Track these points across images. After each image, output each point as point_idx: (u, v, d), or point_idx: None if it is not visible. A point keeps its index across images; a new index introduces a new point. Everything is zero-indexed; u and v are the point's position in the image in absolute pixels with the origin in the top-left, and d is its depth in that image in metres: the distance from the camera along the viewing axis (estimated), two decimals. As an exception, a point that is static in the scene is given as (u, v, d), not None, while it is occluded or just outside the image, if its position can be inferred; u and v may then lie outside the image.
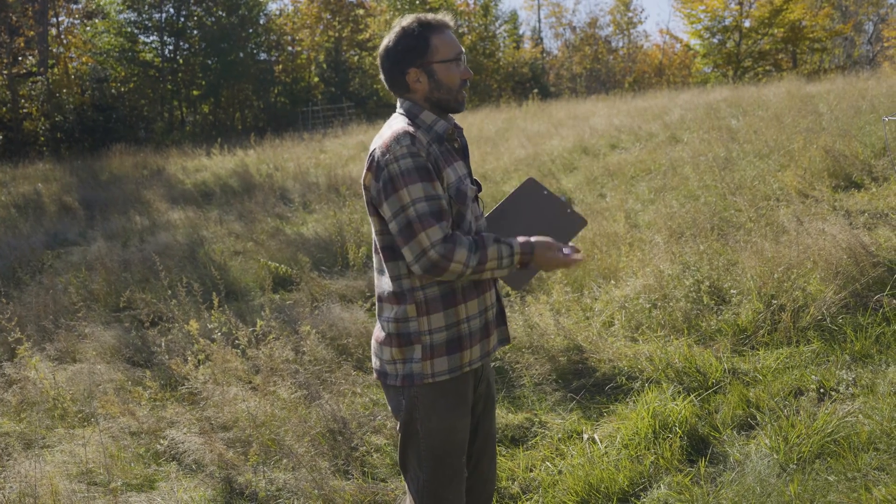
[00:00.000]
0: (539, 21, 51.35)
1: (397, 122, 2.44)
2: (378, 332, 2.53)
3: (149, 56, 31.87)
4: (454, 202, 2.41)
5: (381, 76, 2.53)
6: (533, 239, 2.44)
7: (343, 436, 4.20)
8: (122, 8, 31.15)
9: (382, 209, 2.37)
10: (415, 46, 2.42)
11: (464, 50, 2.51)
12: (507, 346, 5.19)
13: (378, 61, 2.52)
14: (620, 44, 45.55)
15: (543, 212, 2.55)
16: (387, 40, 2.48)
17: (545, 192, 2.56)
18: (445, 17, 2.48)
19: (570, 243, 2.53)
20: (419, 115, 2.47)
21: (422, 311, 2.43)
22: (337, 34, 36.17)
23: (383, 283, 2.49)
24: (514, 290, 2.70)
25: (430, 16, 2.46)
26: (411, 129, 2.38)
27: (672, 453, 3.74)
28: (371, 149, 2.42)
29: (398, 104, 2.54)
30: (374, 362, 2.56)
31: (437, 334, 2.43)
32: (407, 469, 2.58)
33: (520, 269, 2.49)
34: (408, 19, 2.45)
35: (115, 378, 5.41)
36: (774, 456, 3.55)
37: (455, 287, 2.43)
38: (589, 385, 4.74)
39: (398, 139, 2.34)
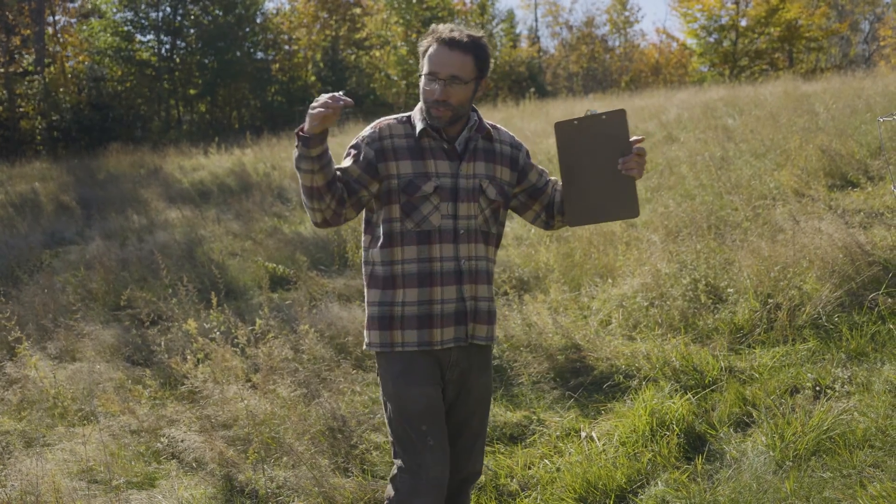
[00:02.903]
0: (536, 20, 51.41)
1: (390, 116, 2.79)
2: None
3: (145, 55, 31.79)
4: (402, 192, 2.64)
5: None
6: None
7: (343, 434, 4.23)
8: (118, 7, 31.08)
9: None
10: (421, 51, 2.70)
11: (452, 72, 2.59)
12: (505, 345, 5.24)
13: None
14: (617, 43, 45.56)
15: (588, 142, 2.53)
16: None
17: (575, 122, 2.56)
18: (450, 34, 2.62)
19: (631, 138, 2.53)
20: (415, 112, 2.75)
21: (368, 283, 2.75)
22: (334, 33, 36.12)
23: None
24: (634, 216, 2.60)
25: (440, 30, 2.65)
26: (391, 121, 2.74)
27: (669, 451, 3.77)
28: None
29: None
30: None
31: (372, 307, 2.72)
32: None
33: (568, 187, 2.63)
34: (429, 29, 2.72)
35: (115, 377, 5.43)
36: (771, 453, 3.58)
37: (395, 272, 2.67)
38: (587, 383, 4.77)
39: (371, 126, 2.73)
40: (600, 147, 2.52)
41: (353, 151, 2.69)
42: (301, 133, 2.47)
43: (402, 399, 2.67)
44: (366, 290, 2.75)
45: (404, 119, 2.73)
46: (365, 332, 2.76)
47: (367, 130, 2.71)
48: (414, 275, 2.65)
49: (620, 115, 2.51)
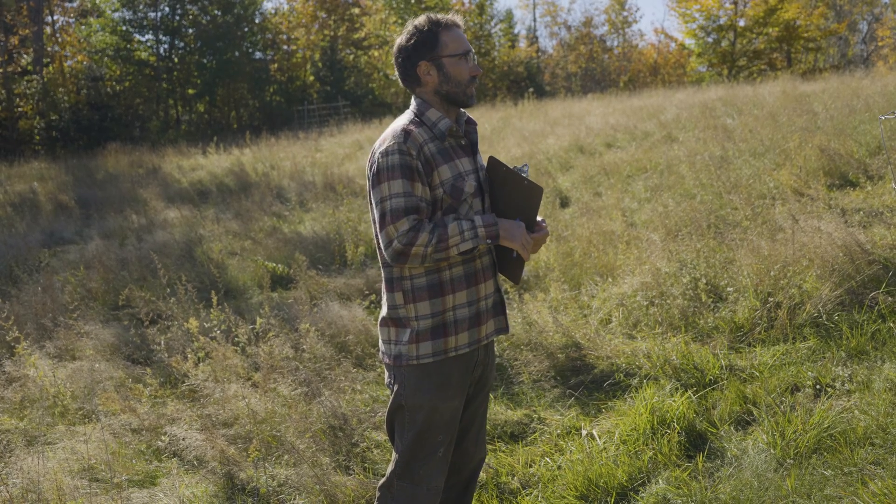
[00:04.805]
0: (534, 20, 51.41)
1: (402, 119, 2.63)
2: (381, 313, 2.75)
3: (144, 55, 31.81)
4: (446, 196, 2.57)
5: (396, 72, 2.71)
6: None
7: (344, 432, 4.23)
8: (117, 6, 31.08)
9: (370, 196, 2.58)
10: (425, 41, 2.61)
11: (472, 49, 2.68)
12: (506, 344, 5.24)
13: (393, 59, 2.71)
14: (615, 43, 45.64)
15: (509, 187, 2.66)
16: (400, 38, 2.66)
17: (505, 169, 2.67)
18: (455, 17, 2.66)
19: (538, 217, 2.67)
20: (426, 112, 2.64)
21: (409, 299, 2.63)
22: (332, 33, 36.15)
23: (382, 270, 2.71)
24: (514, 284, 2.83)
25: (440, 15, 2.64)
26: (412, 126, 2.57)
27: (670, 449, 3.78)
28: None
29: (412, 101, 2.71)
30: (379, 341, 2.78)
31: (423, 321, 2.63)
32: (392, 437, 2.80)
33: (495, 246, 2.70)
34: (420, 18, 2.64)
35: (116, 375, 5.42)
36: (771, 451, 3.59)
37: (443, 278, 2.61)
38: (587, 382, 4.78)
39: (395, 135, 2.55)
40: (515, 203, 2.64)
41: (412, 173, 2.51)
42: (491, 234, 2.55)
43: (435, 412, 2.66)
44: (406, 307, 2.63)
45: (416, 121, 2.63)
46: (407, 346, 2.64)
47: (405, 141, 2.52)
48: (461, 277, 2.63)
49: (537, 191, 2.58)
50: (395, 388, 2.72)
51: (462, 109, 2.76)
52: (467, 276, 2.64)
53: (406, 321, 2.65)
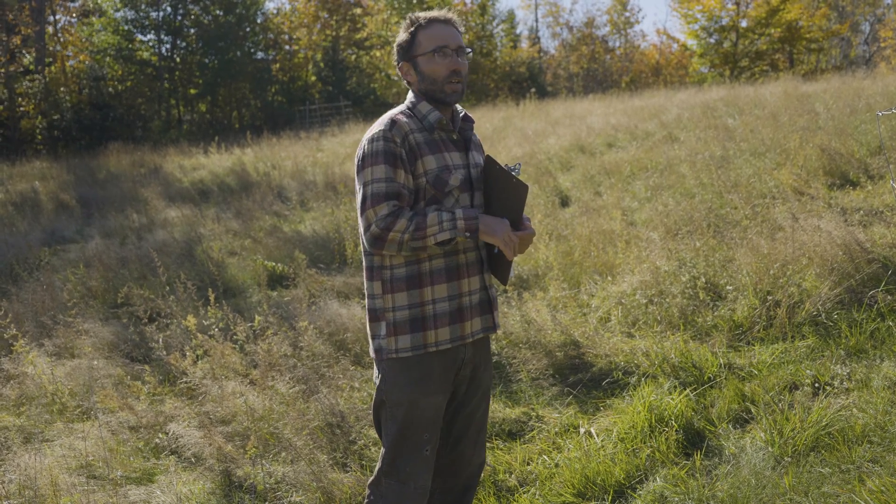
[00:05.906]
0: (536, 20, 51.44)
1: (393, 110, 2.69)
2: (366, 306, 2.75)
3: (146, 54, 31.83)
4: (429, 187, 2.59)
5: None
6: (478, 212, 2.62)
7: (341, 429, 4.22)
8: (119, 6, 31.10)
9: (356, 182, 2.61)
10: (403, 43, 2.70)
11: (459, 43, 2.68)
12: (504, 342, 5.24)
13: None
14: (617, 43, 45.59)
15: (499, 185, 2.67)
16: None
17: (497, 167, 2.67)
18: (440, 12, 2.68)
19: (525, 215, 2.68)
20: (417, 105, 2.69)
21: (387, 289, 2.63)
22: (334, 33, 36.13)
23: (363, 259, 2.71)
24: (502, 284, 2.83)
25: (421, 14, 2.68)
26: (400, 116, 2.62)
27: (668, 447, 3.77)
28: None
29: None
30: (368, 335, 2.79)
31: (399, 312, 2.62)
32: (379, 431, 2.80)
33: (486, 243, 2.70)
34: (406, 20, 2.70)
35: (114, 373, 5.42)
36: (769, 449, 3.58)
37: (422, 270, 2.60)
38: (586, 380, 4.77)
39: (381, 123, 2.60)
40: (503, 201, 2.65)
41: (394, 160, 2.54)
42: (470, 227, 2.54)
43: (415, 407, 2.64)
44: (384, 297, 2.64)
45: (407, 112, 2.66)
46: (386, 339, 2.64)
47: (390, 129, 2.56)
48: (442, 270, 2.61)
49: (522, 188, 2.57)
50: (378, 383, 2.72)
51: (458, 106, 2.77)
52: (448, 269, 2.62)
53: (382, 313, 2.65)
